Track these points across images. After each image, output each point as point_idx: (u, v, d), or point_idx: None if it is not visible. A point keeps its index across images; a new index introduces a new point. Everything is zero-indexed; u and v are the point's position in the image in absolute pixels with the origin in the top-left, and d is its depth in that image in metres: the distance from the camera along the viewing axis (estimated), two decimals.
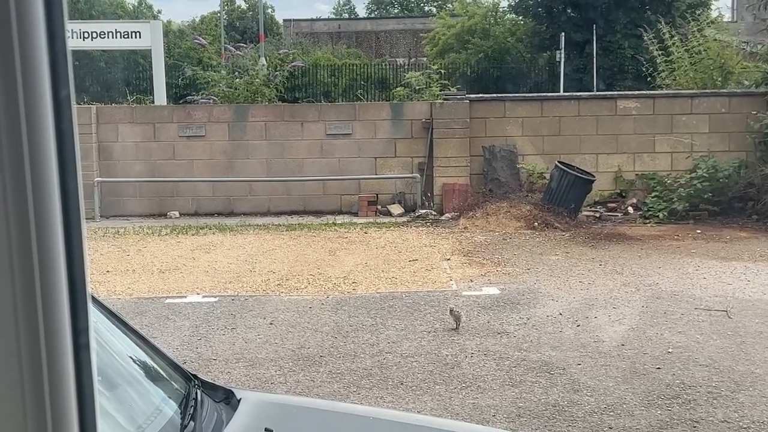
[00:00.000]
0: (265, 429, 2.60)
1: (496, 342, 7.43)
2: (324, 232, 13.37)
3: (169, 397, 2.73)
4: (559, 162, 13.99)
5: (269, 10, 53.74)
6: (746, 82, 16.13)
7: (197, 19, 49.17)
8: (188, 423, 2.57)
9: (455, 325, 7.80)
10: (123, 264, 11.10)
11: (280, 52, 21.77)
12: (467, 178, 15.05)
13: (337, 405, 4.61)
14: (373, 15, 61.13)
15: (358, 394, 6.21)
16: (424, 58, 35.11)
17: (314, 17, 53.14)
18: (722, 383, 6.26)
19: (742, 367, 6.61)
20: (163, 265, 11.00)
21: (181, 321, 8.27)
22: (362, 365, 6.84)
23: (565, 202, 13.64)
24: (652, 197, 14.53)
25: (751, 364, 6.70)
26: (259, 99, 16.95)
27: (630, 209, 14.68)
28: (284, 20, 49.93)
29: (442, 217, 14.46)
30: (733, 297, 8.95)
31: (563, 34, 28.45)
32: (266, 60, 20.12)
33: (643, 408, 5.84)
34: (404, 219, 14.64)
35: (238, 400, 2.90)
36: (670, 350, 7.08)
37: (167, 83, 21.90)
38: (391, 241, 12.61)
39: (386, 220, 14.58)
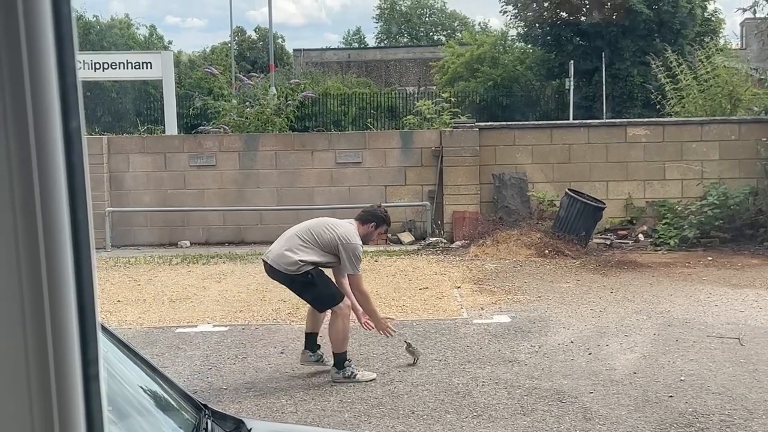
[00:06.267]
0: None
1: (507, 370, 7.39)
2: None
3: (180, 427, 2.73)
4: (569, 189, 13.96)
5: (279, 40, 54.10)
6: (756, 109, 16.12)
7: (208, 50, 49.65)
8: None
9: (413, 360, 7.65)
10: (134, 293, 11.12)
11: (291, 81, 21.86)
12: (477, 206, 15.05)
13: None
14: (382, 44, 61.50)
15: (369, 423, 6.17)
16: (434, 87, 35.25)
17: (324, 47, 53.55)
18: (735, 411, 6.21)
19: (755, 395, 6.56)
20: (173, 295, 11.01)
21: (192, 350, 8.26)
22: (373, 394, 6.80)
23: (576, 229, 13.61)
24: (663, 224, 14.49)
25: (764, 392, 6.64)
26: (270, 128, 17.00)
27: (641, 236, 14.63)
28: (294, 50, 50.32)
29: (453, 245, 14.44)
30: (745, 324, 8.89)
31: (572, 62, 28.57)
32: (276, 90, 20.21)
33: None
34: (414, 247, 14.63)
35: (249, 430, 2.89)
36: (682, 378, 7.03)
37: (178, 113, 22.06)
38: (402, 269, 12.59)
39: (396, 248, 14.57)
